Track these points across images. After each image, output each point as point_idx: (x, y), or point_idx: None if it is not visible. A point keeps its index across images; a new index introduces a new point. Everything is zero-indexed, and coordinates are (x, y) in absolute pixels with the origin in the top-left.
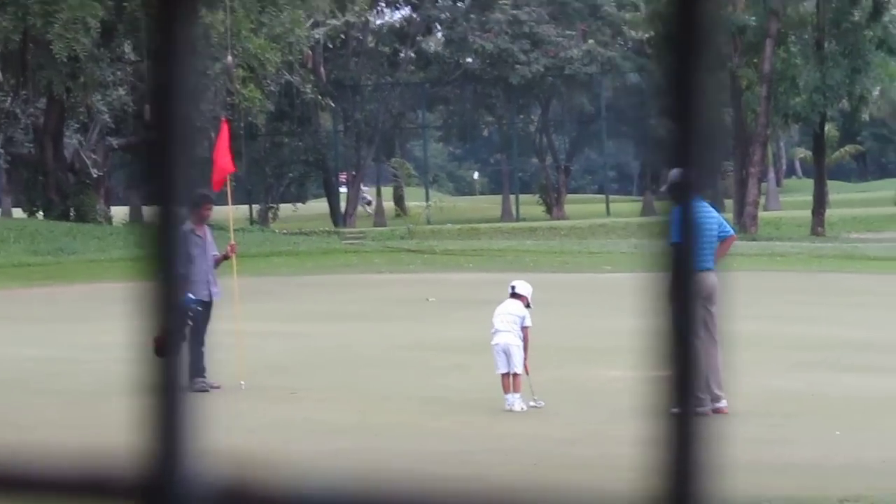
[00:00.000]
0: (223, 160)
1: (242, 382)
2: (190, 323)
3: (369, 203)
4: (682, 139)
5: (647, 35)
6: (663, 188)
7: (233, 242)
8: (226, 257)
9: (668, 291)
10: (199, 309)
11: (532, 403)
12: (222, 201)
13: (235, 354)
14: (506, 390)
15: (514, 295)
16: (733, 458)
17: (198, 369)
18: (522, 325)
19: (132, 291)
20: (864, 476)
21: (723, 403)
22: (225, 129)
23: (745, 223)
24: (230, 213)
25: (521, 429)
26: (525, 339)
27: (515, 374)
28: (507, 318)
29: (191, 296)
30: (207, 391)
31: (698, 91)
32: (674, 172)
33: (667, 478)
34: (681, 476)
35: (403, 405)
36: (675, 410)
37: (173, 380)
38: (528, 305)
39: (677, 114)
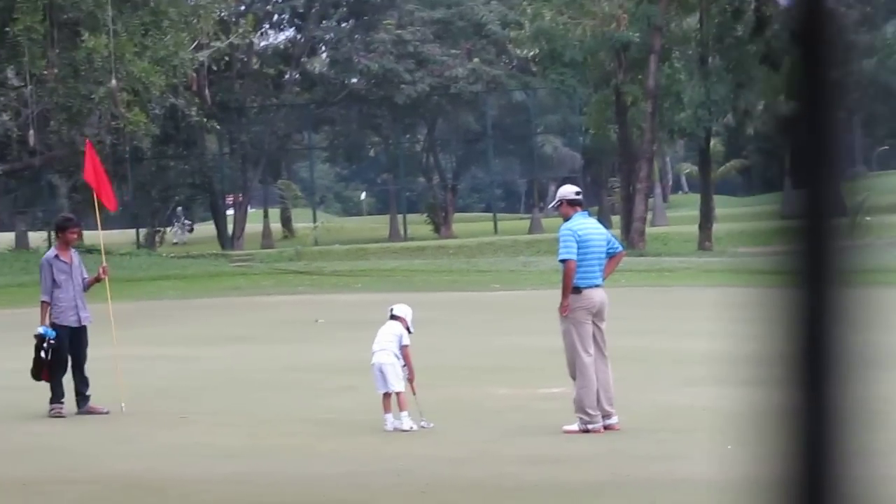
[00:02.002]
0: (102, 179)
1: (123, 405)
2: (48, 354)
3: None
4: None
5: (531, 52)
6: (551, 205)
7: (104, 265)
8: (97, 280)
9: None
10: (54, 342)
11: (422, 424)
12: (94, 225)
13: (114, 379)
14: (385, 410)
15: (394, 317)
16: (626, 474)
17: (56, 395)
18: (400, 345)
19: (15, 318)
20: (758, 490)
21: (614, 420)
22: (91, 149)
23: (632, 239)
24: (100, 236)
25: (410, 449)
26: (406, 358)
27: (398, 393)
28: (384, 338)
29: (40, 330)
30: (63, 417)
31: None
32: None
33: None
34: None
35: (294, 427)
36: (567, 428)
37: None
38: (407, 328)
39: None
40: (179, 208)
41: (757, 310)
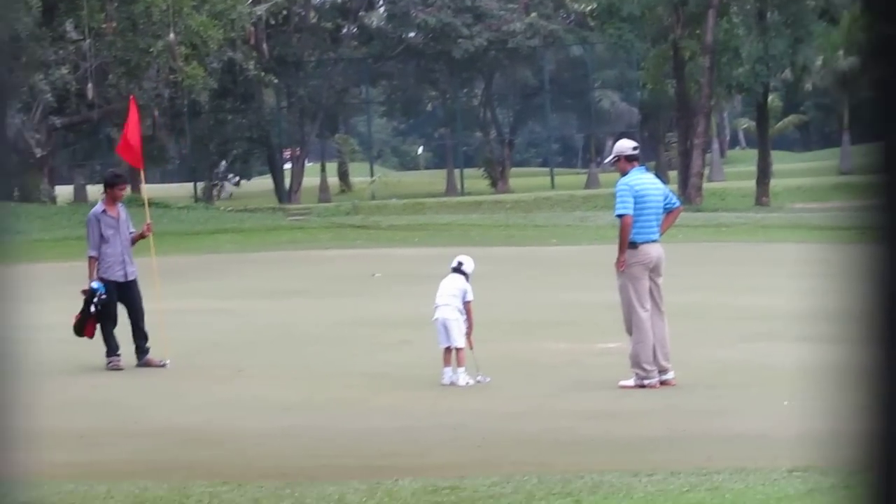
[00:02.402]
0: (135, 137)
1: (168, 361)
2: (100, 308)
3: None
4: None
5: (588, 7)
6: (607, 160)
7: (149, 222)
8: (142, 236)
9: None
10: (105, 297)
11: (479, 379)
12: (148, 180)
13: (159, 333)
14: (445, 364)
15: (457, 270)
16: (682, 429)
17: (111, 348)
18: (464, 300)
19: (74, 271)
20: (813, 446)
21: (670, 375)
22: (134, 107)
23: (689, 194)
24: (144, 190)
25: (466, 404)
26: (468, 314)
27: (457, 349)
28: (448, 292)
29: (94, 285)
30: (122, 370)
31: None
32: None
33: None
34: None
35: (349, 381)
36: (623, 383)
37: None
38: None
39: None
40: (223, 163)
41: (817, 266)
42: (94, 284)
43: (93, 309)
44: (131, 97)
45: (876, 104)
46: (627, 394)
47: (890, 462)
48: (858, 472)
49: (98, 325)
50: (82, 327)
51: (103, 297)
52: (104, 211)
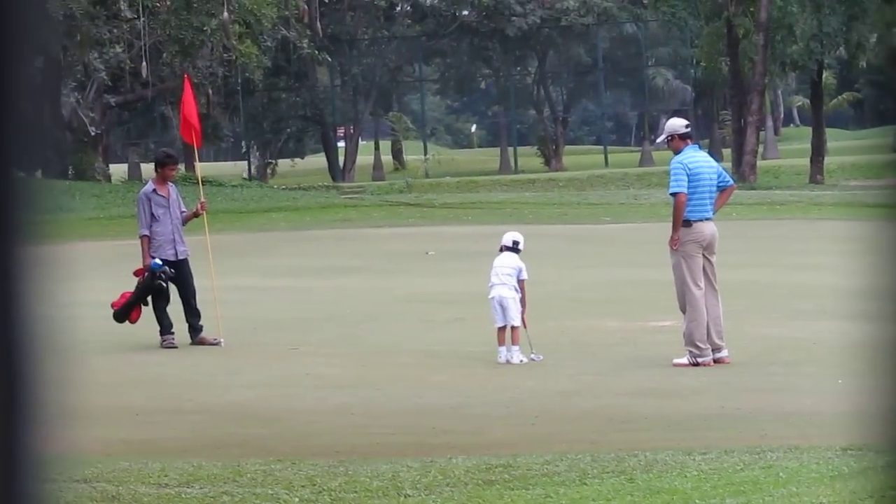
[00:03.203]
0: (192, 115)
1: (222, 340)
2: (164, 285)
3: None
4: None
5: None
6: (659, 139)
7: (203, 200)
8: (196, 215)
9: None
10: (173, 271)
11: (532, 357)
12: (202, 157)
13: (213, 311)
14: (500, 343)
15: (509, 248)
16: (735, 407)
17: (165, 326)
18: (519, 279)
19: (129, 248)
20: (867, 425)
21: (724, 353)
22: (188, 85)
23: (743, 172)
24: (198, 169)
25: (520, 382)
26: (522, 292)
27: (513, 327)
28: (503, 271)
29: (158, 261)
30: (176, 348)
31: None
32: (671, 122)
33: None
34: None
35: (403, 359)
36: (677, 361)
37: None
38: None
39: None
40: (254, 144)
41: (871, 243)
42: (157, 262)
43: (164, 284)
44: (185, 76)
45: None
46: (681, 372)
47: None
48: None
49: (149, 306)
50: (129, 310)
51: (169, 270)
52: (154, 190)
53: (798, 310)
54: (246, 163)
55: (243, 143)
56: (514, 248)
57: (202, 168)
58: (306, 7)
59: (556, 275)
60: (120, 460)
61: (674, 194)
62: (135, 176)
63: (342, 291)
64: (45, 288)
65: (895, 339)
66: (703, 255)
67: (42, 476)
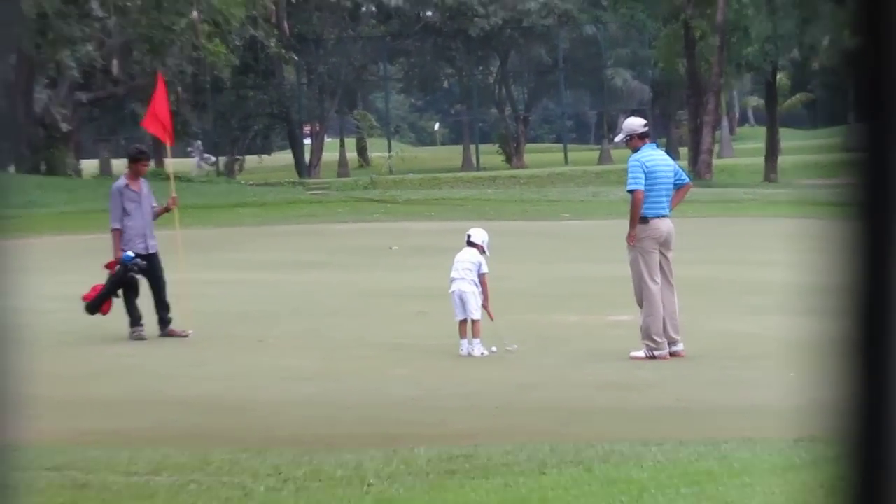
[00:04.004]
0: (164, 113)
1: (190, 331)
2: (136, 278)
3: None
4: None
5: None
6: (618, 138)
7: (174, 195)
8: (167, 209)
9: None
10: (145, 263)
11: (508, 348)
12: (177, 153)
13: (183, 304)
14: (461, 336)
15: (470, 243)
16: (691, 399)
17: (134, 318)
18: (479, 273)
19: (99, 242)
20: (818, 417)
21: (680, 347)
22: (162, 83)
23: (699, 170)
24: (169, 165)
25: (482, 374)
26: (483, 286)
27: (473, 321)
28: (463, 266)
29: (130, 253)
30: (145, 340)
31: None
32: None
33: None
34: None
35: (367, 352)
36: (634, 354)
37: None
38: (483, 252)
39: None
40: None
41: (821, 241)
42: (129, 254)
43: (138, 276)
44: (159, 73)
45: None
46: (638, 365)
47: (870, 432)
48: (846, 442)
49: (119, 298)
50: (101, 302)
51: (142, 262)
52: (127, 185)
53: (752, 305)
54: (214, 159)
55: (200, 143)
56: (470, 242)
57: (172, 164)
58: (273, 7)
59: (517, 270)
60: (90, 449)
61: (631, 191)
62: (106, 171)
63: (308, 285)
64: (16, 281)
65: (843, 334)
66: (660, 251)
67: (10, 464)
